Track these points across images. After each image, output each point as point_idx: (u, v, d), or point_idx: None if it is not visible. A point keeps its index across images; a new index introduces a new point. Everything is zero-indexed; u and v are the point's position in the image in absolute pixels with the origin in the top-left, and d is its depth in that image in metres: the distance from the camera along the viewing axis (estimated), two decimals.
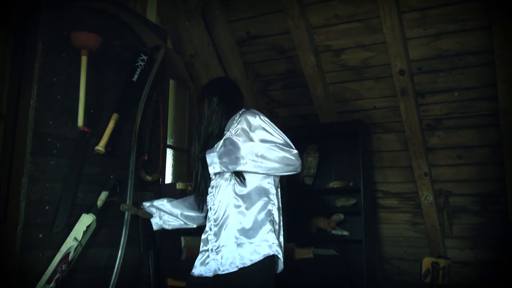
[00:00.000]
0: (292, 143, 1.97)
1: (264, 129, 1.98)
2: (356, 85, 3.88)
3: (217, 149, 1.97)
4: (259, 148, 1.92)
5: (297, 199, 4.17)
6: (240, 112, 2.09)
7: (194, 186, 2.15)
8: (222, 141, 1.99)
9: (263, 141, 1.95)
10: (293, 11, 3.58)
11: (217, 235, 1.96)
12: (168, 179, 3.60)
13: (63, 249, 2.08)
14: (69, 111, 2.21)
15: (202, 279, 1.96)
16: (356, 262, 3.71)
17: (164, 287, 2.63)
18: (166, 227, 2.37)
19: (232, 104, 2.13)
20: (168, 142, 3.63)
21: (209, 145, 2.05)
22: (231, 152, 1.93)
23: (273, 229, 1.93)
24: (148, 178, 2.60)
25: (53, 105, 2.14)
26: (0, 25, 2.20)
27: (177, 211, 2.31)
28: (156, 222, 2.38)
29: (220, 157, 1.95)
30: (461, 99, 3.58)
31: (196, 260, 2.02)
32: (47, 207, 2.08)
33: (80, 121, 2.21)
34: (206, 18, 3.86)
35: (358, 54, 3.73)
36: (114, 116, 2.35)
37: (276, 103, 4.28)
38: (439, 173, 3.84)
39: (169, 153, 3.68)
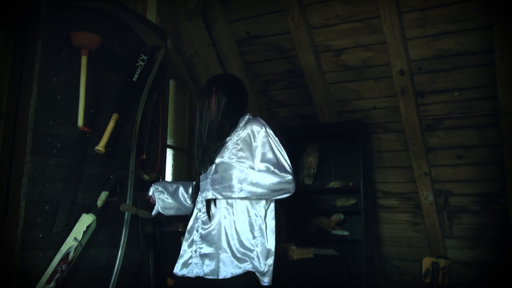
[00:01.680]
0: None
1: (267, 145, 1.97)
2: (356, 85, 3.88)
3: (210, 175, 1.96)
4: (253, 175, 1.91)
5: (297, 199, 4.16)
6: (246, 118, 2.08)
7: (195, 175, 2.16)
8: (214, 166, 1.97)
9: (262, 159, 1.94)
10: (293, 11, 3.58)
11: (203, 238, 1.97)
12: (168, 179, 3.60)
13: (63, 249, 2.08)
14: (69, 111, 2.21)
15: (186, 278, 1.98)
16: (356, 262, 3.71)
17: (164, 287, 2.63)
18: (163, 211, 2.41)
19: (241, 108, 2.12)
20: (168, 142, 3.63)
21: (209, 145, 2.04)
22: (224, 180, 1.92)
23: (252, 246, 1.94)
24: (146, 177, 2.60)
25: (53, 105, 2.14)
26: (0, 25, 2.20)
27: (176, 200, 2.36)
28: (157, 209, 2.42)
29: (212, 184, 1.94)
30: (461, 99, 3.58)
31: (179, 258, 2.03)
32: (47, 207, 2.08)
33: (80, 121, 2.21)
34: (206, 18, 3.86)
35: (358, 54, 3.73)
36: (114, 116, 2.35)
37: (276, 103, 4.28)
38: (439, 173, 3.83)
39: (169, 153, 3.68)
